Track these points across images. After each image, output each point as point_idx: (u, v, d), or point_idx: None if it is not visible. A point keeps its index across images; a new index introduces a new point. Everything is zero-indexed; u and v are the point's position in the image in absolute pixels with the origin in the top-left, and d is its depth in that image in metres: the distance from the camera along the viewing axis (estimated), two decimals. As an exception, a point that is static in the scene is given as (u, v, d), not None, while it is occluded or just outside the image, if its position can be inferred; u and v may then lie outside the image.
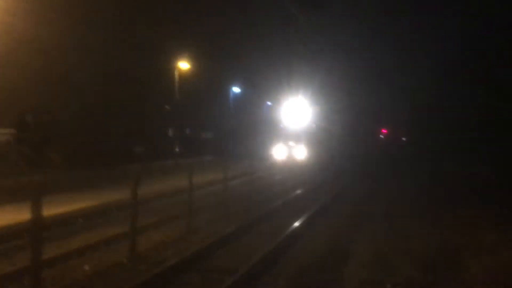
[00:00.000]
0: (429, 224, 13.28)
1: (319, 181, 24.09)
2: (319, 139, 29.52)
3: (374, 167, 35.98)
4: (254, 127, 37.25)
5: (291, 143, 27.08)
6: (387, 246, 10.65)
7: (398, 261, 9.54)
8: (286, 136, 27.44)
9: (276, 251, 10.03)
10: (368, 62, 74.25)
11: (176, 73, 30.50)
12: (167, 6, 33.34)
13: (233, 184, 19.19)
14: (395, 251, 10.25)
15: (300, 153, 26.97)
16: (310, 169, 26.48)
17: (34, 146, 26.25)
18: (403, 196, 19.68)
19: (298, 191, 20.07)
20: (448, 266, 9.32)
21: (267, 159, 27.36)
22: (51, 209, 11.25)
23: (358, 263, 9.44)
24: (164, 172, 26.24)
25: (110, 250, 10.23)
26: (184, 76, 31.05)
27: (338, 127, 37.58)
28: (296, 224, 12.68)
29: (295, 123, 27.64)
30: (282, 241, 10.73)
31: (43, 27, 22.97)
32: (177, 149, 31.44)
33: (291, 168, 25.74)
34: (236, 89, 43.78)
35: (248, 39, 39.38)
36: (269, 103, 28.64)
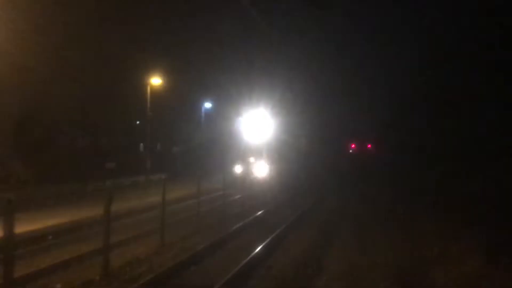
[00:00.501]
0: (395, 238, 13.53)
1: (280, 201, 22.07)
2: (281, 154, 27.89)
3: (341, 184, 33.44)
4: (219, 142, 35.84)
5: (251, 159, 25.47)
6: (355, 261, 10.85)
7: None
8: (246, 152, 25.78)
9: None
10: (334, 74, 74.42)
11: (148, 89, 30.46)
12: (141, 22, 33.37)
13: (187, 205, 18.17)
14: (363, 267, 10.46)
15: (261, 170, 25.34)
16: (272, 187, 24.40)
17: (1, 161, 25.69)
18: (366, 216, 18.48)
19: (258, 213, 18.03)
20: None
21: (228, 176, 24.10)
22: (21, 227, 11.11)
23: None
24: (136, 188, 26.05)
25: (83, 268, 10.15)
26: (156, 92, 31.02)
27: (302, 142, 36.09)
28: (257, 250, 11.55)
29: (255, 137, 25.98)
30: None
31: (16, 42, 22.69)
32: (148, 165, 31.22)
33: (251, 186, 23.39)
34: (208, 104, 43.88)
35: (216, 53, 39.65)
36: (240, 118, 26.96)
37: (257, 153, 25.63)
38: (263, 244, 12.24)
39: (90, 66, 28.00)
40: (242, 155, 25.65)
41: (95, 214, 13.93)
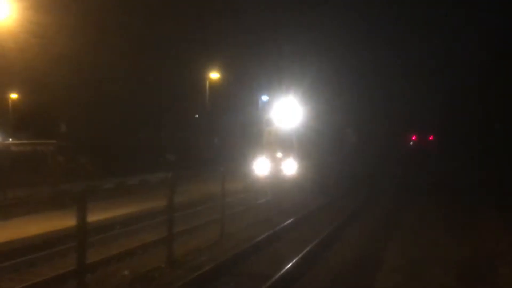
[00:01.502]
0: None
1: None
2: (316, 147, 23.39)
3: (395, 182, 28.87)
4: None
5: (278, 154, 21.16)
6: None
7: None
8: (271, 144, 21.46)
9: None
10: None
11: (207, 84, 31.03)
12: (198, 20, 34.05)
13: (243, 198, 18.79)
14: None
15: (290, 167, 20.91)
16: (306, 187, 20.51)
17: (70, 155, 27.15)
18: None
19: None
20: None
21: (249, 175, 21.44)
22: (92, 216, 11.71)
23: None
24: (195, 180, 26.67)
25: (148, 256, 10.59)
26: (214, 86, 31.55)
27: (348, 134, 31.31)
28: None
29: (284, 126, 21.74)
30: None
31: (76, 42, 23.94)
32: (207, 157, 31.89)
33: (277, 187, 19.33)
34: (265, 98, 44.05)
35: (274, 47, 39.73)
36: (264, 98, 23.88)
37: (286, 146, 21.46)
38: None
39: (154, 66, 29.01)
40: (269, 149, 21.45)
41: (158, 205, 14.44)
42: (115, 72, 27.75)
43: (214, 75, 30.94)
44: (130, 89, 28.15)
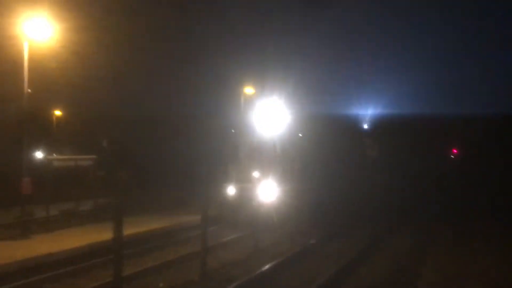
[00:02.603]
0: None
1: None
2: (315, 164, 18.54)
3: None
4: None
5: (255, 174, 16.65)
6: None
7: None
8: (248, 160, 17.27)
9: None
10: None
11: (242, 98, 31.37)
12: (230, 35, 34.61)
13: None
14: None
15: (269, 191, 15.06)
16: (288, 223, 15.59)
17: (109, 169, 27.92)
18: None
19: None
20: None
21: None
22: (128, 229, 12.02)
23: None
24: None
25: (182, 268, 10.78)
26: (249, 101, 31.87)
27: (369, 144, 24.61)
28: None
29: (265, 135, 16.70)
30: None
31: (115, 60, 24.83)
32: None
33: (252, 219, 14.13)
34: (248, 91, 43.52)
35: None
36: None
37: (268, 163, 16.78)
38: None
39: (192, 80, 29.66)
40: (244, 167, 17.25)
41: (193, 219, 14.70)
42: (151, 90, 28.57)
43: (249, 90, 31.14)
44: (166, 105, 28.89)
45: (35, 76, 17.12)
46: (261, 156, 16.84)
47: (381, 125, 27.43)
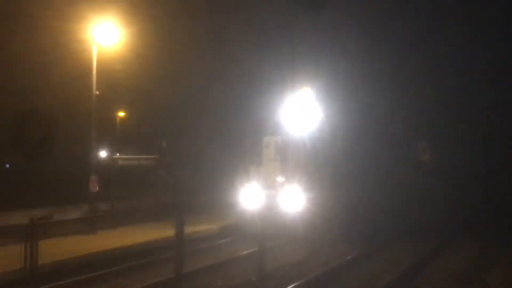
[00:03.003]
0: None
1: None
2: (353, 170, 15.50)
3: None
4: None
5: (279, 179, 14.34)
6: None
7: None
8: (271, 163, 14.73)
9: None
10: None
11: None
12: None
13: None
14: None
15: (295, 199, 13.52)
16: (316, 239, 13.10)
17: (169, 169, 28.77)
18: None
19: None
20: None
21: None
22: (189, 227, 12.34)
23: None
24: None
25: (239, 268, 10.93)
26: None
27: (424, 148, 21.16)
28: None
29: (294, 135, 14.81)
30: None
31: (176, 65, 25.57)
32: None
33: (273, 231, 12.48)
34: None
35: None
36: None
37: (297, 166, 14.36)
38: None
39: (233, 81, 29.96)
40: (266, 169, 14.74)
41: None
42: (210, 93, 29.11)
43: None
44: (224, 108, 29.36)
45: (101, 79, 17.94)
46: (287, 158, 14.47)
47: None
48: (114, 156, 23.70)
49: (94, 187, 16.11)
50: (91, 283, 9.84)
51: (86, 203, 16.92)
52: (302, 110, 14.76)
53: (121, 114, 39.85)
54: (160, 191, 21.93)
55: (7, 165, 37.59)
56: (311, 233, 13.15)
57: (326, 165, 14.73)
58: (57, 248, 11.71)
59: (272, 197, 13.83)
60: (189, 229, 13.64)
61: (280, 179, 14.26)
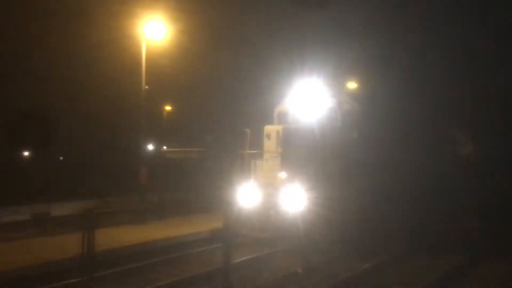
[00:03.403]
0: None
1: None
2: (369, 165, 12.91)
3: None
4: None
5: (282, 174, 12.26)
6: None
7: None
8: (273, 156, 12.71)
9: None
10: None
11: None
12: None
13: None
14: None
15: (296, 197, 11.66)
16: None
17: (212, 162, 29.25)
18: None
19: None
20: None
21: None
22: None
23: None
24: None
25: (284, 261, 11.04)
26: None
27: (460, 139, 17.81)
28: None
29: (300, 124, 13.05)
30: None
31: (220, 61, 25.90)
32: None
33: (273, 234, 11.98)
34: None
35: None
36: None
37: (300, 160, 12.21)
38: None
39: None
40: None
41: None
42: (250, 88, 29.30)
43: (352, 84, 30.77)
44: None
45: (149, 73, 18.47)
46: (291, 150, 12.32)
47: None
48: (163, 149, 24.33)
49: (144, 179, 16.65)
50: (144, 270, 10.26)
51: (135, 195, 17.53)
52: (310, 95, 13.06)
53: (168, 108, 40.83)
54: (206, 183, 22.32)
55: (61, 158, 39.32)
56: (312, 240, 11.49)
57: (335, 159, 12.32)
58: (111, 237, 12.24)
59: (272, 195, 12.02)
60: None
61: (282, 174, 12.21)
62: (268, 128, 12.86)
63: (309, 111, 13.00)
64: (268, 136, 12.73)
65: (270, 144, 12.69)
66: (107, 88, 30.87)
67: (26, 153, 37.44)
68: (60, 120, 34.27)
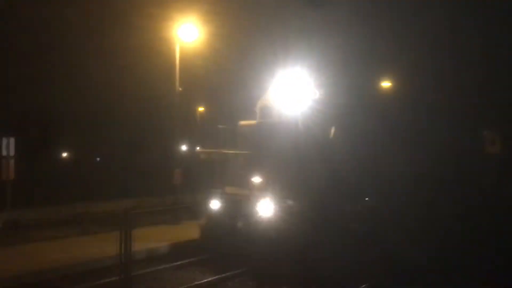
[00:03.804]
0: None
1: None
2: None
3: None
4: None
5: (255, 179, 10.43)
6: None
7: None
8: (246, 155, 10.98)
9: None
10: None
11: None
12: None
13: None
14: None
15: (274, 207, 10.02)
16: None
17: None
18: None
19: None
20: None
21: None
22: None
23: None
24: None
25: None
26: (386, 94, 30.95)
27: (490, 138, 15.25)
28: None
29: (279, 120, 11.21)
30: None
31: (251, 62, 25.94)
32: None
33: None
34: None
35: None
36: None
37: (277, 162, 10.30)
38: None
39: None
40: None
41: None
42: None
43: (386, 84, 30.27)
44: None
45: (183, 75, 18.65)
46: (267, 150, 10.28)
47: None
48: (198, 150, 24.49)
49: (178, 179, 16.81)
50: (179, 269, 10.47)
51: (170, 195, 17.72)
52: (294, 87, 10.92)
53: (201, 109, 41.19)
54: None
55: (98, 159, 40.23)
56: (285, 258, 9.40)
57: (323, 162, 10.13)
58: (147, 237, 12.46)
59: (241, 204, 10.28)
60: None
61: (255, 179, 10.24)
62: (242, 124, 11.04)
63: (292, 104, 10.92)
64: (242, 133, 11.07)
65: (243, 143, 11.04)
66: (142, 89, 31.43)
67: (64, 154, 38.52)
68: (97, 122, 35.09)
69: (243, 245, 9.83)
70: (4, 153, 14.09)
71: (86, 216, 16.04)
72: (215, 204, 10.95)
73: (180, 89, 17.16)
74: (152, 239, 12.41)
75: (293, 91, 11.04)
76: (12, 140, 14.24)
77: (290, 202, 9.86)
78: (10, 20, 28.90)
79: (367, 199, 11.33)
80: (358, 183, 10.71)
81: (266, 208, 9.84)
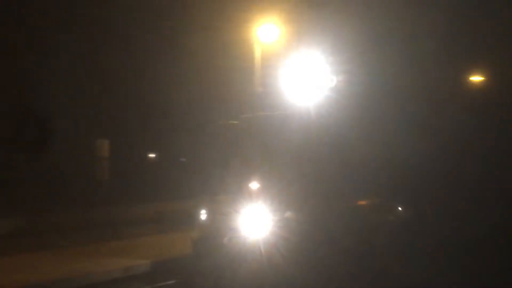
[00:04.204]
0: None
1: None
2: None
3: None
4: None
5: (253, 185, 8.75)
6: None
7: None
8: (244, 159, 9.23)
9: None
10: None
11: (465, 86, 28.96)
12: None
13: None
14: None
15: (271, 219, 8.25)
16: None
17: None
18: None
19: None
20: None
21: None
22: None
23: None
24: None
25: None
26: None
27: None
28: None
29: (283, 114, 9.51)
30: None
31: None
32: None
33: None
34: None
35: None
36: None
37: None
38: None
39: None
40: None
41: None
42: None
43: (477, 78, 28.53)
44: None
45: (263, 76, 18.73)
46: (270, 150, 8.78)
47: None
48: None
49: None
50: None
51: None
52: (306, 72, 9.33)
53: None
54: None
55: (182, 159, 41.52)
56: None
57: (332, 163, 8.47)
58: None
59: (228, 216, 8.68)
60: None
61: (254, 185, 8.69)
62: (243, 119, 9.63)
63: (303, 93, 9.20)
64: (241, 131, 9.54)
65: (242, 141, 9.48)
66: (223, 90, 32.02)
67: (152, 155, 40.19)
68: (181, 123, 36.24)
69: (228, 265, 8.08)
70: (98, 154, 14.99)
71: (166, 215, 16.51)
72: (203, 215, 9.31)
73: (261, 89, 17.28)
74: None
75: (305, 78, 9.50)
76: (106, 142, 15.12)
77: (290, 214, 8.11)
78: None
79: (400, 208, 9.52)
80: (388, 190, 8.99)
81: (257, 221, 8.19)
